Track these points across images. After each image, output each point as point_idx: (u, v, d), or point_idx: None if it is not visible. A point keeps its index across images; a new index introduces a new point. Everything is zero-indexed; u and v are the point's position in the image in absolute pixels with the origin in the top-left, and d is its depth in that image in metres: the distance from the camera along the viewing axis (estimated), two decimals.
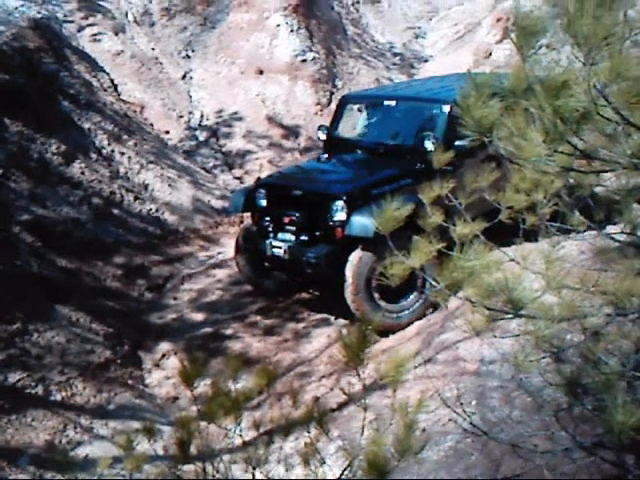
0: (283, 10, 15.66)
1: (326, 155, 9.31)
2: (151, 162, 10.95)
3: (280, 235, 8.04)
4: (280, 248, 7.87)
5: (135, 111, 12.86)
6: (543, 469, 3.76)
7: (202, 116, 14.07)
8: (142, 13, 15.71)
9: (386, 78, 16.10)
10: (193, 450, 2.75)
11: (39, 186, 8.90)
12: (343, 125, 9.72)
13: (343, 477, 2.69)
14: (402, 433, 2.52)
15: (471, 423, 3.59)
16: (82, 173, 9.61)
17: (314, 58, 15.22)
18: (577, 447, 3.59)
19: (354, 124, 10.03)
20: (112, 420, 6.54)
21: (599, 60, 2.77)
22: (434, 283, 3.36)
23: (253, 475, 2.72)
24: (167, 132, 13.17)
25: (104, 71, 13.02)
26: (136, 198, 9.97)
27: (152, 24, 15.74)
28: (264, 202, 8.31)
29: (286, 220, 8.01)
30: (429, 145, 8.11)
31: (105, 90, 12.22)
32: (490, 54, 14.01)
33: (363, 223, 7.35)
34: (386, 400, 5.28)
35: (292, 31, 15.40)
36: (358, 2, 19.08)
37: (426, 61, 17.59)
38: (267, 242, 7.99)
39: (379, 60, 17.27)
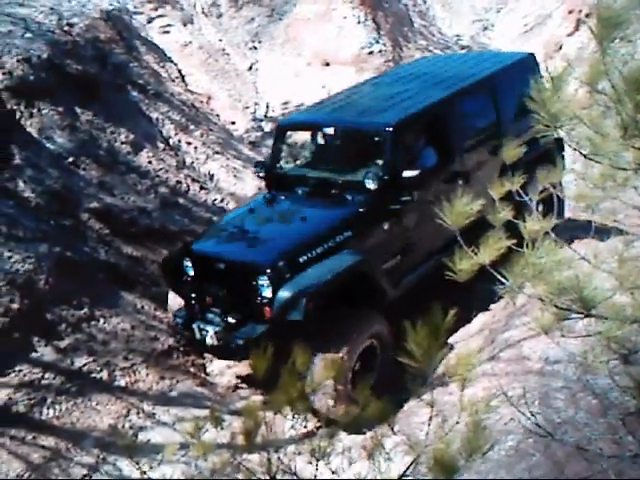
0: (350, 2, 15.64)
1: (265, 198, 7.85)
2: (217, 152, 11.06)
3: (207, 316, 6.79)
4: (207, 332, 6.62)
5: (202, 102, 12.99)
6: (609, 474, 3.67)
7: (268, 107, 14.16)
8: (210, 4, 15.89)
9: None
10: (258, 440, 2.76)
11: (107, 174, 9.07)
12: (285, 157, 8.60)
13: (408, 473, 2.67)
14: (471, 432, 2.48)
15: (536, 423, 3.52)
16: (149, 162, 9.76)
17: (381, 50, 15.16)
18: None
19: (296, 155, 9.16)
20: (174, 407, 6.64)
21: None
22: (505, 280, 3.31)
23: (317, 467, 2.72)
24: (233, 123, 13.29)
25: (172, 62, 13.18)
26: (202, 188, 10.08)
27: (220, 15, 15.90)
28: (191, 273, 7.03)
29: (211, 301, 6.78)
30: (370, 183, 6.90)
31: (173, 80, 12.37)
32: (561, 47, 13.73)
33: (290, 303, 6.14)
34: (447, 397, 5.22)
35: (359, 23, 15.36)
36: None
37: None
38: (194, 325, 6.75)
39: (446, 53, 17.09)
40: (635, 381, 3.25)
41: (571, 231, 6.53)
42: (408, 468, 2.73)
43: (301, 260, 6.47)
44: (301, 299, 6.11)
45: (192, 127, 11.27)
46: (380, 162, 7.24)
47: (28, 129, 8.62)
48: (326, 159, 8.06)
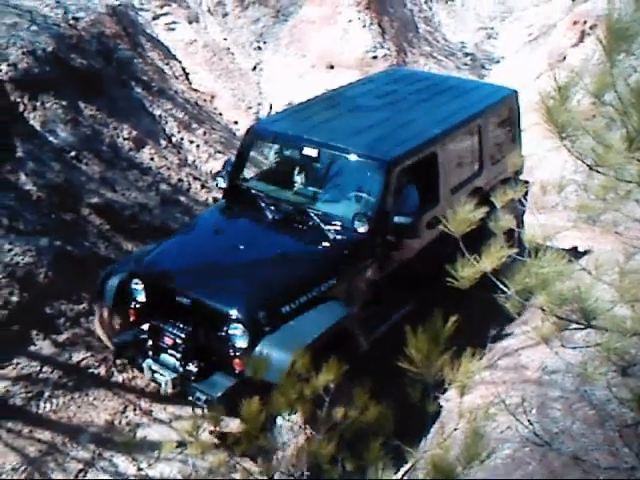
0: (356, 5, 15.67)
1: (229, 216, 7.05)
2: (219, 152, 11.05)
3: (162, 357, 5.86)
4: (163, 376, 5.73)
5: (205, 100, 13.00)
6: None
7: (271, 108, 14.16)
8: (216, 3, 15.91)
9: None
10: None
11: (109, 170, 9.06)
12: (251, 167, 7.69)
13: (405, 478, 2.68)
14: (469, 439, 2.50)
15: (534, 432, 3.53)
16: (151, 159, 9.75)
17: (385, 55, 15.19)
18: None
19: (266, 168, 7.93)
20: (171, 405, 6.62)
21: None
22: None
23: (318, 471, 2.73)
24: (236, 122, 13.29)
25: (177, 59, 13.19)
26: (203, 186, 10.06)
27: (225, 14, 15.92)
28: (142, 297, 6.10)
29: (169, 341, 5.81)
30: (360, 226, 6.19)
31: (177, 78, 12.38)
32: (564, 58, 13.73)
33: (270, 361, 4.84)
34: (444, 403, 5.24)
35: (364, 27, 15.39)
36: (431, 0, 18.96)
37: (498, 62, 17.38)
38: (145, 364, 5.88)
39: (450, 59, 17.14)
40: (633, 393, 3.27)
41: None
42: (406, 473, 2.75)
43: (283, 311, 5.64)
44: (283, 360, 4.87)
45: (195, 125, 11.27)
46: (370, 199, 6.46)
47: (31, 122, 8.61)
48: (302, 181, 7.12)
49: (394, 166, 6.48)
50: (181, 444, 4.90)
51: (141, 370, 5.97)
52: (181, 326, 5.79)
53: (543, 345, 3.49)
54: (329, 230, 6.35)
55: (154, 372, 5.81)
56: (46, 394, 6.29)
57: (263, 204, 6.77)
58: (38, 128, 8.63)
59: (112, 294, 6.23)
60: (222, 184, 7.16)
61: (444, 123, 7.31)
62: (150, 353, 5.88)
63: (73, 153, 8.73)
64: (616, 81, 3.07)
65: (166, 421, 6.43)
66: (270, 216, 6.68)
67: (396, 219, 6.25)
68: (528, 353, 6.00)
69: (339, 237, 6.30)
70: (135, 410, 6.51)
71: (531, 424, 3.74)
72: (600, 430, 4.63)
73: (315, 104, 8.03)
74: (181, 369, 5.68)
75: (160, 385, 5.78)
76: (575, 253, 7.54)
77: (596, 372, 3.14)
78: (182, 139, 10.75)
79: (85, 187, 8.46)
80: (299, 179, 7.15)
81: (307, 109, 7.89)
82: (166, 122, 10.77)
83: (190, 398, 5.63)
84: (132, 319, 6.16)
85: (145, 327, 5.95)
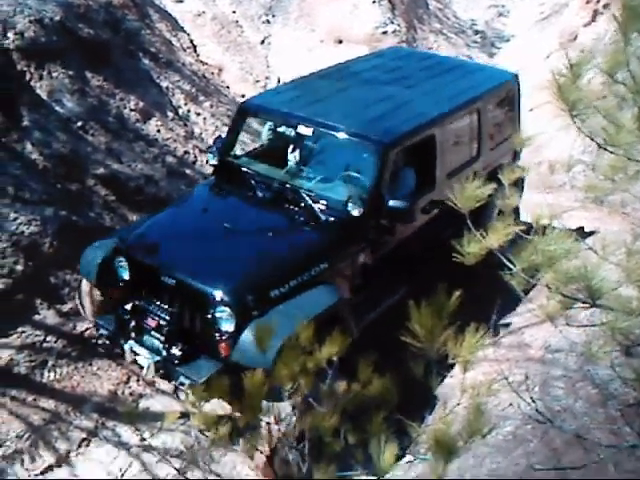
0: None
1: (218, 194, 6.81)
2: (225, 124, 10.99)
3: (145, 339, 5.66)
4: (145, 359, 5.54)
5: (213, 73, 12.94)
6: (607, 463, 3.70)
7: (279, 81, 14.08)
8: None
9: (466, 56, 15.86)
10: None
11: (115, 141, 9.03)
12: (242, 143, 7.50)
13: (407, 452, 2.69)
14: (472, 414, 2.50)
15: (537, 410, 3.54)
16: (158, 131, 9.72)
17: (395, 30, 15.07)
18: None
19: (258, 145, 7.74)
20: None
21: None
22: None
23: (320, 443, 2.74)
24: (243, 96, 13.19)
25: (184, 31, 13.12)
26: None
27: None
28: (125, 275, 5.92)
29: (152, 323, 5.62)
30: (354, 209, 5.99)
31: (184, 50, 12.31)
32: (576, 37, 13.59)
33: (258, 347, 4.31)
34: (448, 379, 5.26)
35: (374, 2, 15.26)
36: None
37: (508, 40, 17.25)
38: (127, 345, 5.68)
39: (460, 37, 17.02)
40: (636, 373, 3.26)
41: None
42: (407, 447, 2.75)
43: (272, 295, 5.43)
44: (273, 345, 4.28)
45: (202, 98, 11.22)
46: (365, 181, 6.28)
47: (37, 91, 8.57)
48: (294, 160, 6.89)
49: (391, 148, 6.30)
50: (184, 415, 4.93)
51: (123, 351, 5.78)
52: (166, 307, 5.61)
53: (547, 323, 3.49)
54: (321, 212, 6.15)
55: (136, 354, 5.62)
56: (50, 363, 6.34)
57: (254, 183, 6.58)
58: (44, 97, 8.60)
59: (95, 270, 6.02)
60: (213, 160, 6.98)
61: (443, 105, 7.11)
62: (133, 334, 5.69)
63: (79, 123, 8.70)
64: (629, 60, 3.04)
65: (169, 392, 6.47)
66: (261, 195, 6.49)
67: (391, 203, 6.04)
68: (532, 331, 6.01)
69: (332, 219, 6.11)
70: (138, 381, 6.56)
71: (533, 402, 3.74)
72: (602, 409, 4.65)
73: (310, 81, 7.79)
74: (164, 352, 5.49)
75: (142, 368, 5.60)
76: (582, 233, 7.52)
77: (600, 351, 3.12)
78: (189, 111, 10.72)
79: (91, 158, 8.45)
80: (292, 158, 6.92)
81: (301, 86, 7.66)
82: (173, 94, 10.72)
83: (173, 382, 5.53)
84: (115, 297, 5.95)
85: (128, 307, 5.77)
